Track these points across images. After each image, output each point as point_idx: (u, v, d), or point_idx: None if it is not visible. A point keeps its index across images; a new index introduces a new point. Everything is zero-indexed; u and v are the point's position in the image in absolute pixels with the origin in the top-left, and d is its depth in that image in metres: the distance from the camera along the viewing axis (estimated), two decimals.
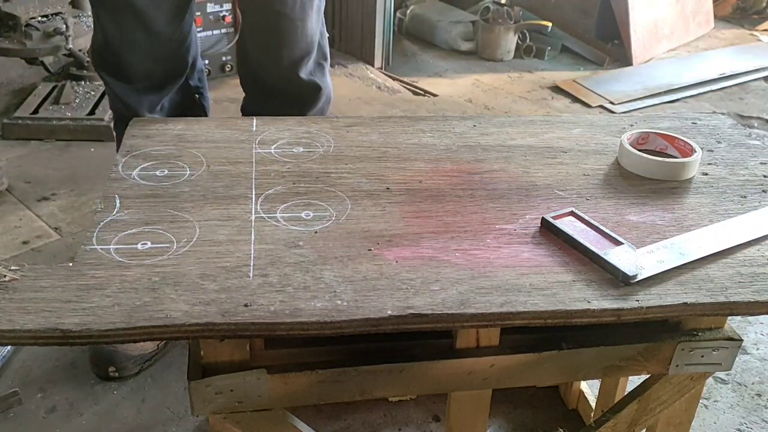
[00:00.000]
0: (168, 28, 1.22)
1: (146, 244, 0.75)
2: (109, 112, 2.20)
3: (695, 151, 0.95)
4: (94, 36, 1.28)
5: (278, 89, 1.32)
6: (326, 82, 1.36)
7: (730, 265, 0.77)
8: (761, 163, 1.00)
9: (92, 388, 1.29)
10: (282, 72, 1.29)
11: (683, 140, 0.98)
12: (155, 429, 1.21)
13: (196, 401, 0.72)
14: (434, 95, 2.73)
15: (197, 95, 1.37)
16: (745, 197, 0.91)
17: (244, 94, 1.41)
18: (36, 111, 2.20)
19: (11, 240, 1.69)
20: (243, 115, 1.42)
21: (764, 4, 3.85)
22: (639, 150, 0.96)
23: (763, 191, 0.92)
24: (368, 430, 1.23)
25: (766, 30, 3.68)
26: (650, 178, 0.93)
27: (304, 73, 1.31)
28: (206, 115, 1.41)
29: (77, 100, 2.25)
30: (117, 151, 1.16)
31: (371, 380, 0.76)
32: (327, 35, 1.37)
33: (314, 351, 0.77)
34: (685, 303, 0.71)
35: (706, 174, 0.96)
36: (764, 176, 0.96)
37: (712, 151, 1.03)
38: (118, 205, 0.81)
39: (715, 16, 3.65)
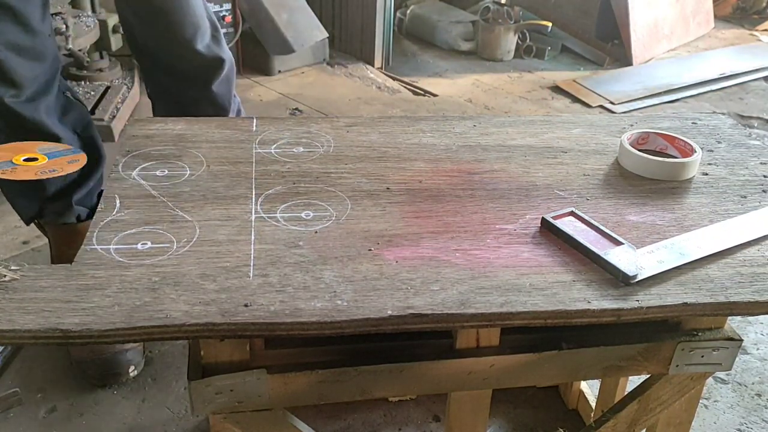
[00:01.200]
0: (42, 24, 1.18)
1: (146, 244, 0.75)
2: (109, 111, 2.20)
3: (695, 151, 0.95)
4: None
5: (180, 68, 1.33)
6: (225, 51, 1.37)
7: (730, 265, 0.77)
8: (761, 163, 1.00)
9: (92, 388, 1.29)
10: (180, 51, 1.30)
11: (683, 140, 0.98)
12: (155, 429, 1.21)
13: (196, 401, 0.72)
14: (434, 95, 2.73)
15: (68, 92, 1.31)
16: (745, 197, 0.91)
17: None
18: None
19: (11, 240, 1.69)
20: (152, 102, 1.44)
21: (764, 4, 3.85)
22: (639, 150, 0.96)
23: (763, 191, 0.92)
24: (368, 430, 1.23)
25: (766, 30, 3.69)
26: (650, 178, 0.93)
27: (201, 47, 1.32)
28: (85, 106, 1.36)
29: None
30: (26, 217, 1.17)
31: (371, 380, 0.76)
32: (211, 8, 1.38)
33: (314, 351, 0.77)
34: (685, 303, 0.71)
35: (706, 174, 0.96)
36: (764, 176, 0.96)
37: (712, 151, 1.03)
38: (118, 205, 0.81)
39: (715, 16, 3.65)
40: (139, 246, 0.74)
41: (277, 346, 0.77)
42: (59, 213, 1.32)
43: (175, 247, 0.74)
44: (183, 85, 1.36)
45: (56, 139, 1.19)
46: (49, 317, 0.63)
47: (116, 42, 2.41)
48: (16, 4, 1.11)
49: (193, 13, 1.29)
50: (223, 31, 2.58)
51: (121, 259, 0.72)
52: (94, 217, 0.79)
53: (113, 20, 2.38)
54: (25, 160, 0.85)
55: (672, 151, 0.99)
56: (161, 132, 0.99)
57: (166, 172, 0.89)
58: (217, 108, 1.40)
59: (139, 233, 0.76)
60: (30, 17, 1.13)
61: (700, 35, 3.51)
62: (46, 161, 0.85)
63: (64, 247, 1.33)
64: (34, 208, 1.30)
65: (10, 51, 1.12)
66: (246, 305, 0.66)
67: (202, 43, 1.33)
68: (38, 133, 1.17)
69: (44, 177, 0.83)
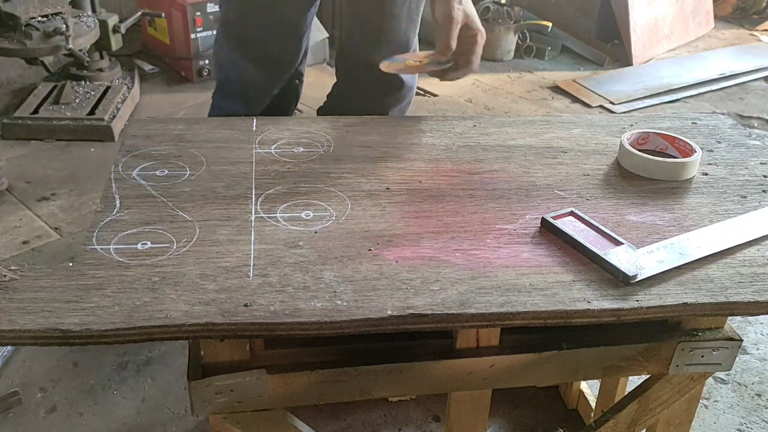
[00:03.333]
0: (294, 17, 1.29)
1: (146, 244, 0.75)
2: (109, 111, 2.20)
3: (695, 151, 0.95)
4: (228, 11, 1.32)
5: (366, 81, 1.35)
6: (413, 82, 1.40)
7: (730, 265, 0.77)
8: (761, 163, 1.00)
9: (92, 388, 1.29)
10: (375, 66, 1.31)
11: (683, 140, 0.98)
12: (155, 429, 1.21)
13: (196, 401, 0.72)
14: (434, 95, 2.73)
15: (297, 81, 1.42)
16: (745, 197, 0.91)
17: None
18: (36, 111, 2.20)
19: (11, 240, 1.69)
20: (327, 99, 1.49)
21: (764, 4, 3.85)
22: (639, 150, 0.96)
23: (763, 191, 0.92)
24: (368, 430, 1.23)
25: (766, 30, 3.69)
26: (650, 178, 0.93)
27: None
28: (298, 101, 1.48)
29: (77, 100, 2.25)
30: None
31: (371, 380, 0.76)
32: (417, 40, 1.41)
33: (314, 351, 0.77)
34: (685, 303, 0.71)
35: (706, 174, 0.96)
36: (764, 176, 0.96)
37: (712, 151, 1.03)
38: (118, 205, 0.81)
39: (715, 16, 3.65)
40: (139, 246, 0.74)
41: (277, 346, 0.77)
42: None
43: (175, 247, 0.74)
44: (362, 102, 1.37)
45: (252, 103, 1.34)
46: (49, 317, 0.63)
47: (116, 42, 2.41)
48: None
49: (400, 37, 1.31)
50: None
51: (121, 259, 0.72)
52: (94, 217, 0.79)
53: (113, 20, 2.38)
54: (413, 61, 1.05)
55: (672, 151, 0.99)
56: (161, 132, 0.99)
57: (166, 172, 0.89)
58: None
59: (139, 233, 0.76)
60: (284, 7, 1.26)
61: (700, 35, 3.51)
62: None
63: None
64: None
65: (258, 32, 1.28)
66: (246, 305, 0.66)
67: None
68: (246, 94, 1.33)
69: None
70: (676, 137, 0.99)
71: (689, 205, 0.88)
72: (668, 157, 0.96)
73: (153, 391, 1.29)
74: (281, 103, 1.41)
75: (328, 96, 1.49)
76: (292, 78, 1.40)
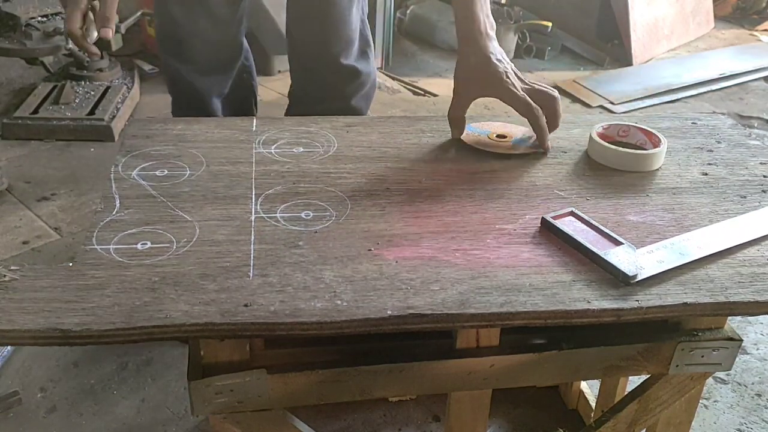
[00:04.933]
0: (227, 11, 1.28)
1: (146, 244, 0.75)
2: (109, 111, 2.20)
3: (662, 143, 0.97)
4: (159, 23, 1.32)
5: (322, 75, 1.36)
6: (369, 68, 1.39)
7: (730, 265, 0.77)
8: (761, 163, 1.00)
9: (92, 388, 1.29)
10: (326, 59, 1.32)
11: (657, 135, 0.98)
12: (155, 429, 1.21)
13: (196, 401, 0.72)
14: (434, 95, 2.73)
15: (245, 75, 1.41)
16: (745, 197, 0.91)
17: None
18: (36, 111, 2.20)
19: (11, 240, 1.69)
20: (290, 100, 1.48)
21: (764, 4, 3.85)
22: (618, 143, 0.98)
23: (763, 191, 0.92)
24: (368, 430, 1.23)
25: (766, 30, 3.69)
26: (616, 169, 0.95)
27: (347, 60, 1.35)
28: (255, 95, 1.48)
29: (77, 100, 2.25)
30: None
31: (371, 380, 0.76)
32: (368, 23, 1.41)
33: (314, 351, 0.77)
34: (685, 303, 0.71)
35: (706, 174, 0.96)
36: (764, 176, 0.96)
37: (711, 151, 1.03)
38: (117, 205, 0.81)
39: (715, 16, 3.65)
40: (139, 246, 0.74)
41: (277, 346, 0.77)
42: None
43: (175, 247, 0.74)
44: (322, 94, 1.38)
45: (209, 111, 1.35)
46: (49, 317, 0.63)
47: (116, 42, 2.40)
48: None
49: (349, 27, 1.31)
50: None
51: (120, 259, 0.72)
52: (94, 217, 0.79)
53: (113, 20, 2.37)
54: (497, 136, 1.02)
55: (648, 146, 0.99)
56: (161, 132, 0.99)
57: (166, 172, 0.89)
58: None
59: (139, 233, 0.76)
60: (215, 5, 1.25)
61: (700, 35, 3.51)
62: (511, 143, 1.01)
63: None
64: None
65: (192, 34, 1.25)
66: (246, 305, 0.66)
67: (349, 57, 1.35)
68: (201, 103, 1.33)
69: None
70: (652, 132, 0.99)
71: (689, 205, 0.88)
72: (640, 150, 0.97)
73: (153, 391, 1.29)
74: (239, 104, 1.41)
75: (288, 96, 1.48)
76: (240, 74, 1.39)
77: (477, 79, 0.99)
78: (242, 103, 1.44)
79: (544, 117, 0.97)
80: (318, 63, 1.35)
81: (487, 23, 1.00)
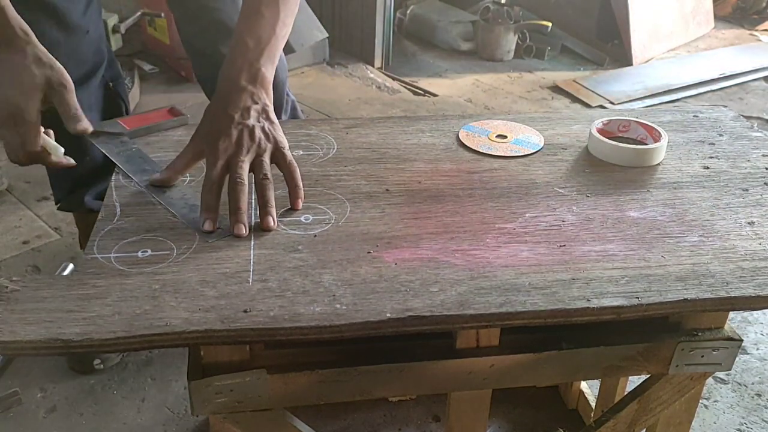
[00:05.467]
0: (82, 19, 1.18)
1: (146, 251, 0.75)
2: None
3: (663, 138, 0.96)
4: None
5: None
6: (282, 72, 1.33)
7: (732, 260, 0.76)
8: (763, 155, 0.99)
9: (92, 388, 1.29)
10: (218, 50, 1.26)
11: (658, 130, 0.98)
12: (155, 429, 1.22)
13: (196, 401, 0.72)
14: (434, 95, 2.73)
15: (111, 83, 1.33)
16: (747, 190, 0.90)
17: None
18: None
19: (11, 240, 1.69)
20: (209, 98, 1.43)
21: (764, 4, 3.85)
22: (619, 138, 0.98)
23: (766, 184, 0.92)
24: (368, 430, 1.23)
25: (766, 30, 3.68)
26: (617, 165, 0.95)
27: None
28: (126, 104, 1.38)
29: None
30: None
31: (371, 380, 0.76)
32: None
33: (314, 351, 0.77)
34: (686, 299, 0.71)
35: (708, 167, 0.96)
36: (766, 168, 0.96)
37: (713, 144, 1.02)
38: (118, 213, 0.81)
39: (715, 16, 3.65)
40: (140, 254, 0.74)
41: (278, 347, 0.77)
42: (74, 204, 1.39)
43: (175, 254, 0.74)
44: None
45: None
46: (51, 327, 0.63)
47: (116, 42, 2.41)
48: (55, 1, 1.11)
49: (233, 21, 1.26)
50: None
51: (121, 268, 0.72)
52: (95, 225, 0.79)
53: (113, 20, 2.38)
54: (497, 136, 1.00)
55: (649, 141, 0.99)
56: (161, 139, 0.99)
57: None
58: None
59: (140, 241, 0.76)
60: (67, 13, 1.14)
61: (700, 35, 3.51)
62: None
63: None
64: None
65: (45, 46, 1.13)
66: (245, 311, 0.66)
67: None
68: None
69: None
70: (653, 127, 0.99)
71: (690, 199, 0.88)
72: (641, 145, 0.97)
73: (153, 391, 1.29)
74: (108, 114, 1.32)
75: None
76: (105, 85, 1.31)
77: (206, 138, 0.84)
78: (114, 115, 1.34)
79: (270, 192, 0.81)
80: (215, 54, 1.26)
81: (249, 73, 0.86)
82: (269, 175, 0.81)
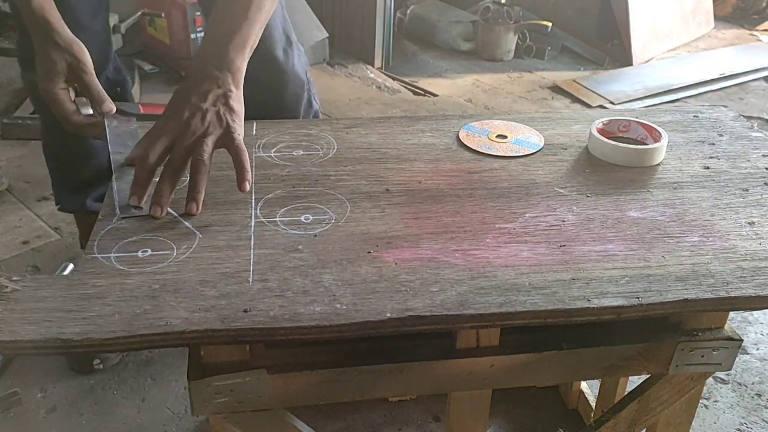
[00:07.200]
0: (93, 21, 1.22)
1: (146, 251, 0.75)
2: None
3: (663, 138, 0.96)
4: (22, 38, 1.24)
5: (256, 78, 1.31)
6: (292, 66, 1.30)
7: (732, 260, 0.76)
8: (763, 156, 0.99)
9: (92, 388, 1.29)
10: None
11: (658, 130, 0.98)
12: (155, 429, 1.22)
13: (196, 401, 0.72)
14: (434, 95, 2.73)
15: (119, 88, 1.35)
16: (747, 191, 0.90)
17: None
18: (36, 111, 2.20)
19: (11, 240, 1.69)
20: None
21: (764, 4, 3.85)
22: (619, 138, 0.98)
23: (766, 184, 0.92)
24: (368, 430, 1.23)
25: (766, 30, 3.68)
26: (617, 165, 0.95)
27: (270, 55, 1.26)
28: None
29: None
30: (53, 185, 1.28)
31: (371, 380, 0.76)
32: (288, 20, 1.33)
33: (314, 351, 0.77)
34: (686, 299, 0.71)
35: (708, 168, 0.96)
36: (766, 168, 0.96)
37: (713, 144, 1.02)
38: (118, 213, 0.81)
39: (715, 16, 3.65)
40: (140, 253, 0.74)
41: (278, 347, 0.77)
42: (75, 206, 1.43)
43: (175, 253, 0.74)
44: (252, 97, 1.31)
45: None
46: (51, 327, 0.63)
47: (116, 42, 2.41)
48: (70, 1, 1.15)
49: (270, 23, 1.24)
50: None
51: (121, 267, 0.72)
52: (95, 226, 0.79)
53: (113, 20, 2.38)
54: (497, 136, 1.00)
55: (650, 141, 0.99)
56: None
57: None
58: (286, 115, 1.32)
59: (140, 241, 0.76)
60: (82, 15, 1.19)
61: (700, 35, 3.51)
62: None
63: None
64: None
65: None
66: (245, 311, 0.66)
67: (272, 52, 1.26)
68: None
69: None
70: (653, 127, 0.99)
71: (690, 199, 0.88)
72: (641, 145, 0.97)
73: (153, 391, 1.29)
74: None
75: None
76: (113, 88, 1.32)
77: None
78: None
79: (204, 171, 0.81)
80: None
81: (217, 57, 0.86)
82: (205, 159, 0.80)
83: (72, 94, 0.96)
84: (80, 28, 1.16)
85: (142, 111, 0.99)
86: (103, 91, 0.94)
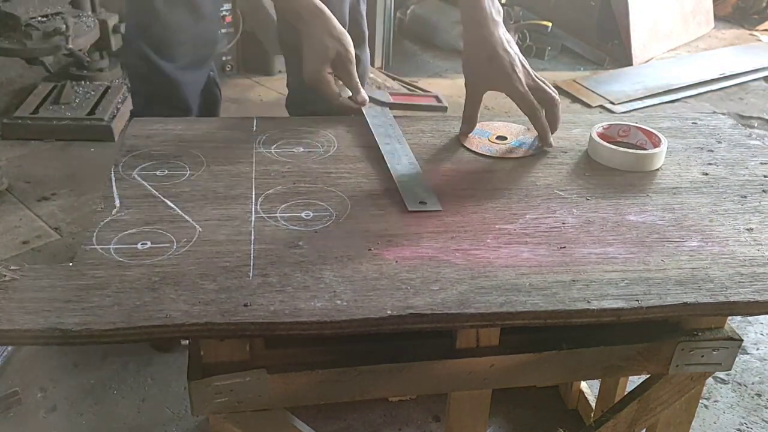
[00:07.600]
0: (211, 10, 1.30)
1: (146, 243, 0.75)
2: (109, 111, 2.20)
3: (662, 143, 0.96)
4: (137, 16, 1.29)
5: None
6: (360, 58, 1.36)
7: (730, 265, 0.77)
8: (761, 163, 1.00)
9: (92, 388, 1.29)
10: None
11: (658, 135, 0.98)
12: (155, 429, 1.21)
13: (196, 401, 0.72)
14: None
15: (211, 72, 1.41)
16: (745, 197, 0.91)
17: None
18: (36, 111, 2.19)
19: (11, 240, 1.69)
20: (287, 107, 1.49)
21: (764, 4, 3.84)
22: (619, 143, 0.98)
23: (764, 191, 0.92)
24: (368, 430, 1.23)
25: (766, 30, 3.68)
26: (616, 169, 0.95)
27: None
28: (220, 92, 1.47)
29: (77, 100, 2.25)
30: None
31: (371, 380, 0.76)
32: (364, 15, 1.41)
33: (314, 351, 0.77)
34: (685, 303, 0.71)
35: (707, 174, 0.96)
36: (764, 176, 0.96)
37: (712, 151, 1.03)
38: (118, 204, 0.81)
39: (715, 16, 3.65)
40: (139, 246, 0.74)
41: (278, 346, 0.77)
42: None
43: (175, 247, 0.74)
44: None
45: (186, 105, 1.32)
46: (49, 317, 0.63)
47: (116, 42, 2.40)
48: None
49: (341, 19, 1.27)
50: (222, 30, 2.56)
51: (121, 259, 0.72)
52: (95, 217, 0.79)
53: (113, 20, 2.37)
54: (497, 138, 1.02)
55: (648, 146, 0.99)
56: (161, 132, 0.99)
57: (166, 172, 0.89)
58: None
59: (139, 233, 0.76)
60: (203, 4, 1.27)
61: (700, 35, 3.50)
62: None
63: None
64: None
65: (176, 29, 1.25)
66: (246, 305, 0.66)
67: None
68: (181, 100, 1.31)
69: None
70: (653, 132, 0.99)
71: (689, 205, 0.88)
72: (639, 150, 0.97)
73: (153, 391, 1.29)
74: (207, 111, 1.39)
75: (288, 86, 1.49)
76: (207, 72, 1.39)
77: (484, 74, 1.00)
78: (210, 112, 1.42)
79: (544, 117, 0.98)
80: None
81: (493, 8, 1.00)
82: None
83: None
84: (200, 16, 1.25)
85: (391, 100, 1.08)
86: (360, 83, 1.05)
